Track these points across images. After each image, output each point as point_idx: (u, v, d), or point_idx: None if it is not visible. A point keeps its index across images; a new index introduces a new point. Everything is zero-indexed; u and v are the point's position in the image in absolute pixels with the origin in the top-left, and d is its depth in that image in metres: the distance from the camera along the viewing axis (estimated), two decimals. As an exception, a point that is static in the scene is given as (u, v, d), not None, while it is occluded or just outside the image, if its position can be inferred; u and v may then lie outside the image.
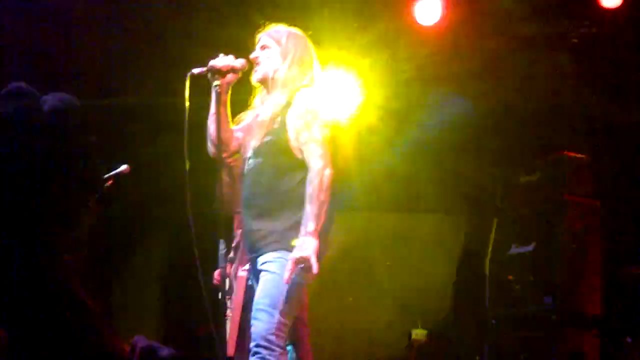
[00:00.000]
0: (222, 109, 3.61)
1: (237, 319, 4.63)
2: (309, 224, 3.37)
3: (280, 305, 3.39)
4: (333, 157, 3.59)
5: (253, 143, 3.66)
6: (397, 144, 7.58)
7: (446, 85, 7.17)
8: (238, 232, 4.83)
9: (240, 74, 3.68)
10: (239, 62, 3.65)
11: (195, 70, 3.57)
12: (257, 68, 3.77)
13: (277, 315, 3.37)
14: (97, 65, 6.73)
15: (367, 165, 6.92)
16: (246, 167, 3.69)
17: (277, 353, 3.35)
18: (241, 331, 4.66)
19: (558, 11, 6.51)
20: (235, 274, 4.80)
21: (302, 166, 3.55)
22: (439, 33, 6.73)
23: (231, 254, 4.79)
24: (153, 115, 6.92)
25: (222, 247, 3.37)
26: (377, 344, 7.63)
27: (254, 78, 3.79)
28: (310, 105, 3.61)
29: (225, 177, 4.72)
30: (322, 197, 3.42)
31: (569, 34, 6.43)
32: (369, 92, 6.92)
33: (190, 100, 3.47)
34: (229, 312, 4.71)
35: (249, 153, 3.69)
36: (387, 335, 7.68)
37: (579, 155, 6.29)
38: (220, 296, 4.74)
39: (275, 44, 3.76)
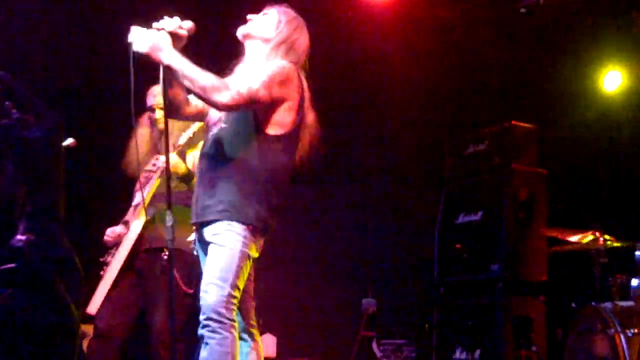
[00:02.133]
0: (172, 76, 3.42)
1: (111, 281, 4.56)
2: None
3: (230, 278, 3.36)
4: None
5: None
6: (342, 119, 7.62)
7: (394, 57, 7.19)
8: (138, 193, 4.73)
9: (186, 41, 3.44)
10: (186, 24, 3.44)
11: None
12: (248, 23, 3.64)
13: (227, 289, 3.34)
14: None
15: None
16: (209, 134, 3.63)
17: (227, 325, 3.34)
18: (118, 295, 4.59)
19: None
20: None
21: (260, 134, 3.47)
22: (389, 5, 6.74)
23: (127, 216, 4.76)
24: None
25: (169, 218, 3.25)
26: (327, 314, 7.67)
27: (240, 30, 3.64)
28: (269, 64, 3.52)
29: (139, 134, 4.66)
30: (198, 82, 3.30)
31: (517, 4, 6.47)
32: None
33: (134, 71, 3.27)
34: (106, 270, 4.63)
35: (213, 119, 3.63)
36: (337, 305, 7.72)
37: (526, 125, 6.37)
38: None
39: (277, 17, 3.65)
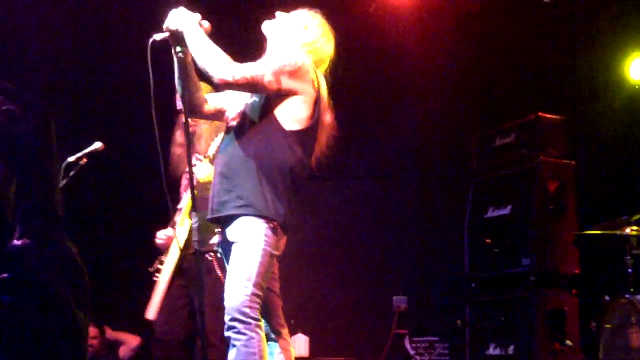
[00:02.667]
0: (187, 74, 3.51)
1: (166, 284, 4.59)
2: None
3: (254, 277, 3.34)
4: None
5: (239, 106, 3.61)
6: (365, 114, 7.59)
7: (418, 51, 7.15)
8: (184, 194, 4.75)
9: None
10: (205, 23, 3.48)
11: (158, 36, 3.43)
12: (275, 19, 3.68)
13: (251, 287, 3.32)
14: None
15: (338, 136, 6.90)
16: (227, 130, 3.63)
17: (252, 325, 3.31)
18: (170, 298, 4.62)
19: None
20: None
21: (278, 129, 3.48)
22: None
23: (176, 216, 4.77)
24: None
25: (194, 220, 3.32)
26: (359, 313, 7.66)
27: (265, 24, 3.68)
28: (284, 54, 3.54)
29: (177, 138, 4.68)
30: (204, 55, 3.36)
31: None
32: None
33: (153, 69, 3.34)
34: (159, 275, 4.65)
35: (233, 115, 3.64)
36: (368, 303, 7.71)
37: (553, 116, 6.30)
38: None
39: (306, 19, 3.68)
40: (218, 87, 3.50)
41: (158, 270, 4.66)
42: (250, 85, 3.42)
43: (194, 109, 3.66)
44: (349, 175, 7.32)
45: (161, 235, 4.71)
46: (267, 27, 3.69)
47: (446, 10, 6.89)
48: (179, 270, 4.63)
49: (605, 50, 6.80)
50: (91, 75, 6.96)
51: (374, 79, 7.49)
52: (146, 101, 3.43)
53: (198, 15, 3.47)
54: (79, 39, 6.72)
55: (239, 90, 3.50)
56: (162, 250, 4.72)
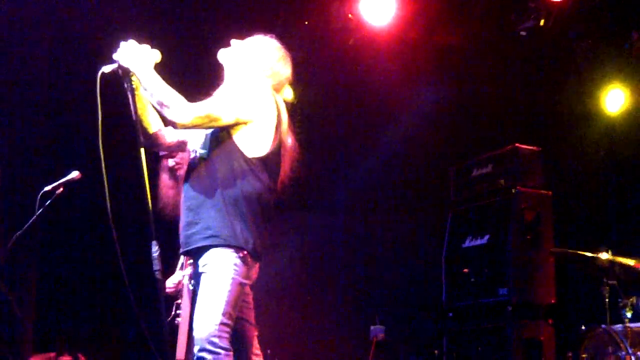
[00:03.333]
0: (141, 104, 3.52)
1: (187, 325, 4.58)
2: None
3: (223, 306, 3.32)
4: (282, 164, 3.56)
5: (198, 137, 3.61)
6: (344, 145, 7.62)
7: (396, 83, 7.20)
8: None
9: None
10: (154, 55, 3.48)
11: (106, 68, 3.41)
12: (231, 47, 3.69)
13: (220, 317, 3.31)
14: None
15: (318, 167, 6.91)
16: (190, 161, 3.64)
17: (222, 356, 3.29)
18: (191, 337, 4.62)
19: (505, 4, 6.57)
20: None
21: (241, 158, 3.48)
22: (389, 32, 6.76)
23: (181, 259, 4.74)
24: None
25: (154, 249, 3.27)
26: (336, 342, 7.63)
27: (221, 53, 3.68)
28: (239, 84, 3.55)
29: (165, 178, 4.65)
30: (157, 96, 3.35)
31: (517, 28, 6.48)
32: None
33: (101, 100, 3.32)
34: (179, 318, 4.66)
35: (193, 147, 3.64)
36: (345, 332, 7.68)
37: (530, 147, 6.36)
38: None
39: (261, 46, 3.70)
40: (175, 128, 3.49)
41: (178, 315, 4.65)
42: (207, 123, 3.43)
43: (155, 141, 3.66)
44: (327, 206, 7.33)
45: (169, 284, 4.69)
46: (223, 55, 3.69)
47: (425, 43, 6.95)
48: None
49: (582, 82, 6.89)
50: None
51: (352, 110, 7.54)
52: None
53: (147, 47, 3.46)
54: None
55: (198, 129, 3.50)
56: (175, 297, 4.71)
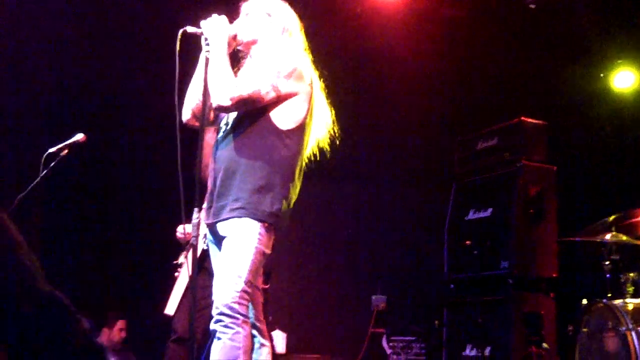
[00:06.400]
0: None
1: (186, 281, 4.55)
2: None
3: (245, 274, 3.34)
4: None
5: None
6: (348, 115, 7.57)
7: (403, 55, 7.16)
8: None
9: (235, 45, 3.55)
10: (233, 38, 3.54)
11: (190, 29, 3.44)
12: (246, 29, 3.66)
13: (241, 284, 3.33)
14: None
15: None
16: (220, 133, 3.62)
17: (239, 321, 3.31)
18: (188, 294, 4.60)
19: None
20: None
21: (273, 129, 3.47)
22: (397, 1, 6.72)
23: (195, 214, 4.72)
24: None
25: (195, 216, 3.32)
26: (337, 311, 7.67)
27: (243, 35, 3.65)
28: (276, 58, 3.52)
29: (208, 138, 4.64)
30: (217, 79, 3.39)
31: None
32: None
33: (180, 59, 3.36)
34: (180, 271, 4.63)
35: (224, 118, 3.63)
36: (347, 302, 7.72)
37: (536, 121, 6.34)
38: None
39: (261, 13, 3.66)
40: (216, 110, 3.51)
41: (180, 265, 4.62)
42: (249, 104, 3.43)
43: (209, 115, 3.64)
44: (330, 176, 7.32)
45: (181, 230, 4.68)
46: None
47: (432, 15, 6.90)
48: (200, 268, 4.56)
49: (590, 57, 6.85)
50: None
51: (357, 80, 7.50)
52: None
53: (234, 28, 3.53)
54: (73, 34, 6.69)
55: (240, 110, 3.50)
56: (183, 245, 4.68)
